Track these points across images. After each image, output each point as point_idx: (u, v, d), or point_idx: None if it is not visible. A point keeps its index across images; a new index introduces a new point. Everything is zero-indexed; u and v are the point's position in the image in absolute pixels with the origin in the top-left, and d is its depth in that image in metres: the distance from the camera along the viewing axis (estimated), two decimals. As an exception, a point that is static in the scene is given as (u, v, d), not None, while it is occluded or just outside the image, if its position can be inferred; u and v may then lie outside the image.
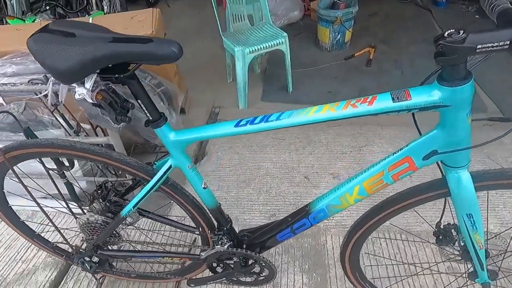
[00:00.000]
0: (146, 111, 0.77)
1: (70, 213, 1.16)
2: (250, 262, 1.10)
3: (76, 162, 1.42)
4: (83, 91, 0.69)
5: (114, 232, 1.11)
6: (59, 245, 1.26)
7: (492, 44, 0.56)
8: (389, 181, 0.80)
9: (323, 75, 2.99)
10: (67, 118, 1.54)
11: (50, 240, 1.28)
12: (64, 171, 1.10)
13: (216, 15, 2.49)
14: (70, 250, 1.22)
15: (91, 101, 0.70)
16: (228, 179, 1.99)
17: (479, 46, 0.56)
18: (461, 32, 0.57)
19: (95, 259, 1.14)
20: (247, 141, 2.25)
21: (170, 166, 0.88)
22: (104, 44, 0.64)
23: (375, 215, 0.92)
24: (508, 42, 0.55)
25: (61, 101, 0.73)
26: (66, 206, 1.12)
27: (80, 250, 1.12)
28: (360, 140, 2.19)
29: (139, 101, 0.75)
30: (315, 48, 3.43)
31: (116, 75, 0.69)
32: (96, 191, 1.09)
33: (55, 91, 0.96)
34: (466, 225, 0.82)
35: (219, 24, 2.54)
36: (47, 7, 2.97)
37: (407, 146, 0.76)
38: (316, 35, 3.37)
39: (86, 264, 1.12)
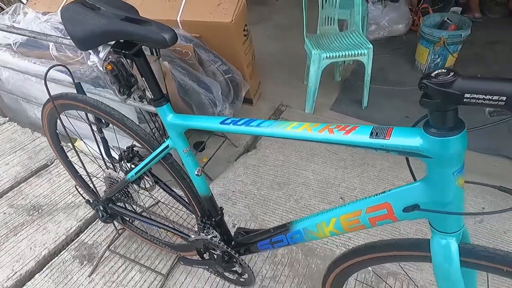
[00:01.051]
0: (149, 89, 0.83)
1: (100, 165, 1.31)
2: (232, 259, 1.11)
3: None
4: (95, 59, 0.77)
5: (125, 192, 1.23)
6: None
7: (484, 96, 0.45)
8: (366, 224, 0.72)
9: (406, 97, 2.73)
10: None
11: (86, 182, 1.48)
12: (102, 128, 1.25)
13: (304, 15, 2.47)
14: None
15: (101, 69, 0.78)
16: (264, 177, 1.99)
17: (467, 95, 0.46)
18: (451, 74, 0.48)
19: (108, 210, 1.28)
20: (299, 146, 2.21)
21: (167, 146, 0.94)
22: (115, 21, 0.71)
23: (353, 256, 0.83)
24: (504, 98, 0.44)
25: (90, 64, 0.83)
26: (100, 157, 1.28)
27: (99, 198, 1.26)
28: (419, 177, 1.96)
29: (143, 78, 0.81)
30: (408, 67, 3.14)
31: (124, 51, 0.76)
32: (124, 152, 1.21)
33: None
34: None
35: (304, 25, 2.51)
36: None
37: (389, 190, 0.66)
38: (415, 54, 3.08)
39: (100, 212, 1.27)
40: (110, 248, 1.55)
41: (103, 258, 1.53)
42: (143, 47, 0.78)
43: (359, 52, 2.30)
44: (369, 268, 0.85)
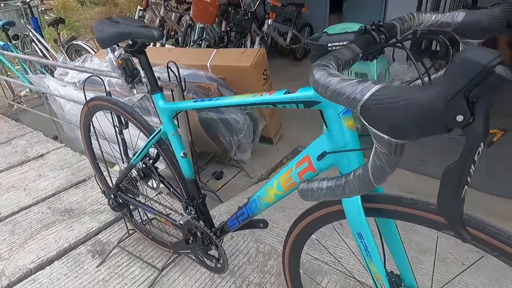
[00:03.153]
0: (147, 80, 1.09)
1: (118, 161, 1.57)
2: (211, 243, 1.24)
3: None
4: (111, 56, 1.07)
5: (133, 182, 1.45)
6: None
7: (338, 43, 0.64)
8: (296, 180, 0.85)
9: (425, 143, 2.77)
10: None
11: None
12: (122, 129, 1.54)
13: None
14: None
15: (115, 63, 1.07)
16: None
17: (329, 45, 0.65)
18: (320, 33, 0.67)
19: (118, 200, 1.50)
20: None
21: (160, 130, 1.17)
22: (121, 27, 1.02)
23: (295, 225, 0.94)
24: (348, 42, 0.62)
25: (107, 59, 1.13)
26: (120, 155, 1.54)
27: (110, 189, 1.50)
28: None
29: (143, 71, 1.09)
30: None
31: (131, 49, 1.05)
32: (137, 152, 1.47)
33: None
34: (360, 248, 0.77)
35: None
36: (201, 41, 3.94)
37: (309, 145, 0.81)
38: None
39: (111, 201, 1.49)
40: (119, 245, 1.74)
41: (111, 254, 1.71)
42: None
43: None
44: (313, 236, 0.95)
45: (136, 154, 1.28)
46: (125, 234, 1.79)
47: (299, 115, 3.42)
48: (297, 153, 2.82)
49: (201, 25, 4.51)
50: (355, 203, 0.74)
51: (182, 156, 1.18)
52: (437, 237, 0.71)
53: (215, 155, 2.61)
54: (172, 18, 5.03)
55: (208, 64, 2.52)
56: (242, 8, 4.48)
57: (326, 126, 0.80)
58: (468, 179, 0.38)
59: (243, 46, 4.35)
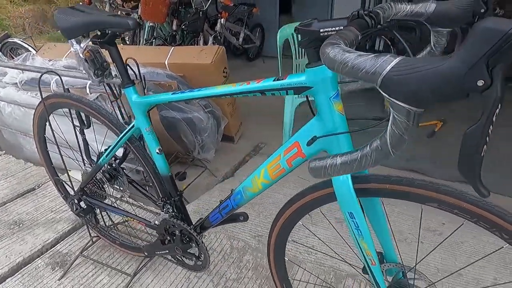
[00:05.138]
0: (119, 73, 1.04)
1: (79, 164, 1.46)
2: (190, 239, 1.20)
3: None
4: (77, 48, 0.99)
5: (99, 184, 1.36)
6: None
7: (330, 29, 0.66)
8: (285, 167, 0.87)
9: (379, 132, 2.94)
10: (122, 111, 1.96)
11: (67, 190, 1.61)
12: (83, 129, 1.43)
13: (279, 65, 2.82)
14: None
15: (81, 56, 1.00)
16: (238, 198, 2.12)
17: (321, 30, 0.67)
18: (311, 19, 0.69)
19: (83, 205, 1.40)
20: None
21: (133, 126, 1.11)
22: (91, 16, 0.95)
23: (283, 211, 0.96)
24: (342, 28, 0.65)
25: (72, 51, 1.04)
26: (81, 158, 1.43)
27: (73, 193, 1.39)
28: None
29: (114, 64, 1.03)
30: (379, 112, 3.43)
31: (100, 40, 0.99)
32: (102, 153, 1.38)
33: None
34: (351, 227, 0.81)
35: (280, 69, 2.84)
36: (153, 40, 3.84)
37: (297, 131, 0.83)
38: (383, 101, 3.39)
39: (74, 206, 1.39)
40: (83, 254, 1.62)
41: (74, 264, 1.59)
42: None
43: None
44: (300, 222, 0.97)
45: (105, 154, 1.21)
46: (88, 242, 1.67)
47: (257, 113, 3.45)
48: (259, 150, 2.87)
49: (151, 24, 4.36)
50: (346, 184, 0.77)
51: (157, 152, 1.13)
52: (421, 210, 0.77)
53: (177, 156, 2.54)
54: (118, 16, 4.80)
55: (166, 62, 2.44)
56: (193, 7, 4.41)
57: (313, 113, 0.83)
58: (487, 139, 0.43)
59: (195, 45, 4.29)
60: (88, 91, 2.08)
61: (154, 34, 4.30)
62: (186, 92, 0.94)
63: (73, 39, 0.99)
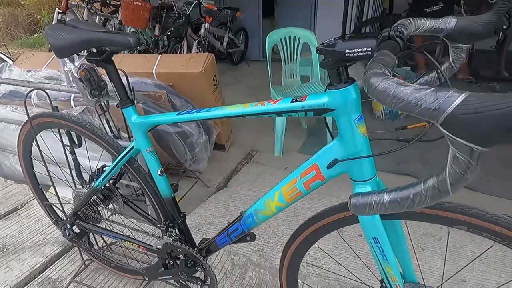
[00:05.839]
0: (117, 92, 0.97)
1: (70, 185, 1.37)
2: (195, 263, 1.14)
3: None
4: (71, 66, 0.92)
5: (94, 208, 1.28)
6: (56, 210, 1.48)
7: (357, 50, 0.62)
8: (302, 190, 0.83)
9: (402, 155, 2.94)
10: (111, 124, 1.86)
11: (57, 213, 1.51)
12: (74, 148, 1.35)
13: (269, 70, 2.78)
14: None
15: (76, 75, 0.93)
16: (234, 210, 2.06)
17: (347, 51, 0.63)
18: (334, 39, 0.65)
19: (75, 229, 1.31)
20: (269, 182, 2.32)
21: (133, 147, 1.05)
22: (87, 33, 0.88)
23: (299, 233, 0.92)
24: (370, 49, 0.61)
25: (65, 70, 0.97)
26: (71, 179, 1.35)
27: (65, 217, 1.30)
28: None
29: (112, 83, 0.96)
30: (368, 115, 3.45)
31: (96, 58, 0.92)
32: (95, 173, 1.30)
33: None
34: (376, 252, 0.77)
35: (270, 76, 2.81)
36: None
37: (316, 153, 0.79)
38: (371, 104, 3.41)
39: (66, 231, 1.30)
40: (75, 279, 1.52)
41: (67, 291, 1.49)
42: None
43: (318, 97, 2.56)
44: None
45: (102, 176, 1.13)
46: (81, 265, 1.57)
47: (246, 120, 3.41)
48: (251, 158, 2.83)
49: (132, 30, 4.24)
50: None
51: (159, 174, 1.07)
52: (448, 232, 0.74)
53: (168, 167, 2.45)
54: (97, 22, 4.65)
55: (153, 71, 2.36)
56: (176, 12, 4.32)
57: (331, 135, 0.79)
58: None
59: (179, 50, 4.20)
60: (72, 104, 1.98)
61: (137, 40, 4.18)
62: (193, 112, 0.88)
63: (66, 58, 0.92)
